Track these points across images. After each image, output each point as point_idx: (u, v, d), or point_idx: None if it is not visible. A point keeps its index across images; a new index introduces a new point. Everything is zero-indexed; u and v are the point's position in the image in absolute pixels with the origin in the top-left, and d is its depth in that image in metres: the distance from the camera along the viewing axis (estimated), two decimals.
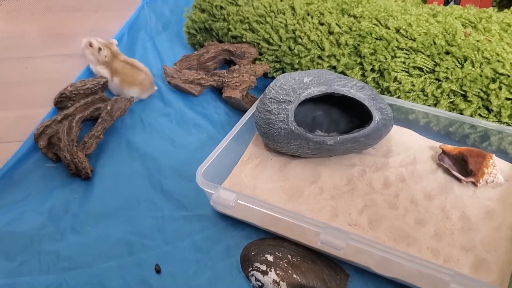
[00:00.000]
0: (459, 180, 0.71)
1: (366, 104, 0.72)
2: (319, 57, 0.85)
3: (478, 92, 0.73)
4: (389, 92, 0.81)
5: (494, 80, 0.72)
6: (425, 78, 0.78)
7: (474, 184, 0.70)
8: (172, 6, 1.22)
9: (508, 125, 0.72)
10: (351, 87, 0.72)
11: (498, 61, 0.72)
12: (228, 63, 1.00)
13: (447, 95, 0.76)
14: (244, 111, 0.86)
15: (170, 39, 1.11)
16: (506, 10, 0.86)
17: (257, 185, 0.73)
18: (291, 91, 0.72)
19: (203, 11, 1.00)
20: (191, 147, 0.84)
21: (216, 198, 0.65)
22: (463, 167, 0.71)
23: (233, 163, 0.78)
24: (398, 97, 0.80)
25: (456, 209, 0.68)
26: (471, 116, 0.74)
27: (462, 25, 0.80)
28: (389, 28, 0.81)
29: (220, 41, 1.00)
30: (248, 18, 0.92)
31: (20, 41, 1.19)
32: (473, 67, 0.73)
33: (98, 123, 0.84)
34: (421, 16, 0.83)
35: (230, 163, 0.77)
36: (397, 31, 0.81)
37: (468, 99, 0.74)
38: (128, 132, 0.88)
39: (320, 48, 0.85)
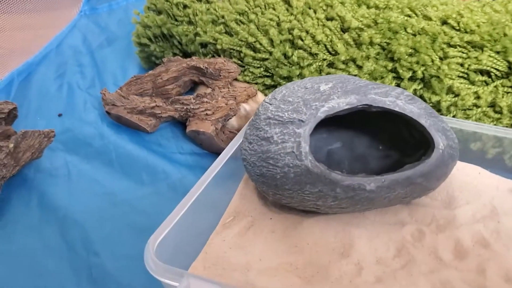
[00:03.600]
0: None
1: (422, 123, 0.45)
2: (330, 64, 0.59)
3: None
4: (439, 110, 0.54)
5: None
6: (495, 86, 0.52)
7: None
8: (121, 17, 0.94)
9: None
10: (397, 97, 0.45)
11: None
12: (196, 86, 0.72)
13: None
14: (219, 153, 0.55)
15: (118, 55, 0.82)
16: None
17: (251, 264, 0.44)
18: (302, 104, 0.44)
19: (159, 12, 0.72)
20: (142, 204, 0.55)
21: None
22: None
23: (209, 227, 0.48)
24: (454, 116, 0.54)
25: None
26: None
27: None
28: (431, 19, 0.56)
29: (185, 54, 0.72)
30: (223, 16, 0.65)
31: None
32: None
33: None
34: (470, 5, 0.58)
35: (204, 228, 0.48)
36: (444, 22, 0.55)
37: None
38: (44, 184, 0.58)
39: (331, 53, 0.59)
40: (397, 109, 0.45)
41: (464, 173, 0.53)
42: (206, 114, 0.60)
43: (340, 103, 0.44)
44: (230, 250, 0.46)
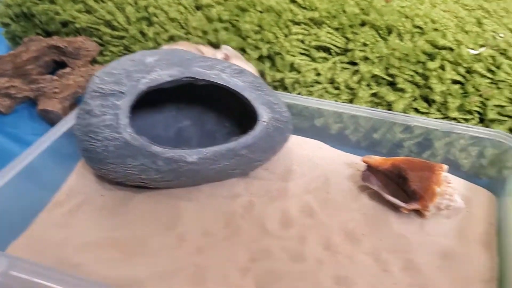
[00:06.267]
0: (396, 208, 0.46)
1: (246, 96, 0.45)
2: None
3: (412, 76, 0.49)
4: (285, 87, 0.55)
5: (433, 57, 0.48)
6: (334, 62, 0.53)
7: (421, 213, 0.45)
8: None
9: (458, 121, 0.49)
10: (223, 70, 0.45)
11: (436, 29, 0.49)
12: (60, 67, 0.69)
13: (367, 85, 0.51)
14: None
15: None
16: None
17: (69, 240, 0.43)
18: (123, 77, 0.43)
19: None
20: None
21: None
22: (401, 187, 0.46)
23: (40, 206, 0.47)
24: (299, 93, 0.55)
25: (398, 256, 0.42)
26: (404, 112, 0.50)
27: None
28: None
29: (48, 34, 0.70)
30: None
31: None
32: (401, 40, 0.50)
33: None
34: None
35: (35, 208, 0.46)
36: (293, 1, 0.56)
37: (399, 86, 0.50)
38: None
39: (184, 29, 0.58)
40: (221, 82, 0.45)
41: (304, 148, 0.54)
42: (54, 92, 0.58)
43: (163, 75, 0.44)
44: (55, 228, 0.44)
